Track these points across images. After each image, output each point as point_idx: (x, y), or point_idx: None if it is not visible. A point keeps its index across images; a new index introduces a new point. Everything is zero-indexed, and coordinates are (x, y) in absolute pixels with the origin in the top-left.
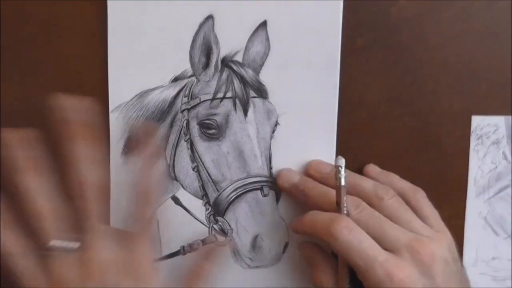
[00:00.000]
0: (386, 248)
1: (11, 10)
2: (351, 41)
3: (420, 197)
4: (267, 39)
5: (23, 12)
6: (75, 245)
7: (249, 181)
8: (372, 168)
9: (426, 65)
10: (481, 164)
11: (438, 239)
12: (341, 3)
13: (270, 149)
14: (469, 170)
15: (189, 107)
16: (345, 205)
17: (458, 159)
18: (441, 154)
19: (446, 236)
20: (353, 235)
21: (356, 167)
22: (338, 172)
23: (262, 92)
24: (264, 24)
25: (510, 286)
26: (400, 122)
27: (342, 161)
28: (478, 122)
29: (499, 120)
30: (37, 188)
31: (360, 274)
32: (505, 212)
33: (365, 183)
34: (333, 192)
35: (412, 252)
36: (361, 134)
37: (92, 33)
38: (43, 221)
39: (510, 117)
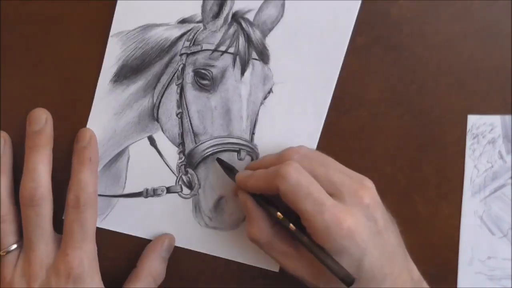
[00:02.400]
0: (329, 193)
1: (11, 10)
2: (351, 41)
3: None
4: (283, 5)
5: (23, 12)
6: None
7: (228, 141)
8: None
9: (426, 64)
10: (477, 163)
11: (370, 182)
12: None
13: (257, 114)
14: (465, 169)
15: (189, 52)
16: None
17: (457, 158)
18: (440, 153)
19: (369, 179)
20: (303, 176)
21: (356, 166)
22: None
23: (264, 56)
24: None
25: (506, 286)
26: (400, 122)
27: None
28: (474, 121)
29: (495, 119)
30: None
31: (307, 219)
32: (501, 211)
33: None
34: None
35: (357, 196)
36: (361, 133)
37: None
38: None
39: (506, 116)
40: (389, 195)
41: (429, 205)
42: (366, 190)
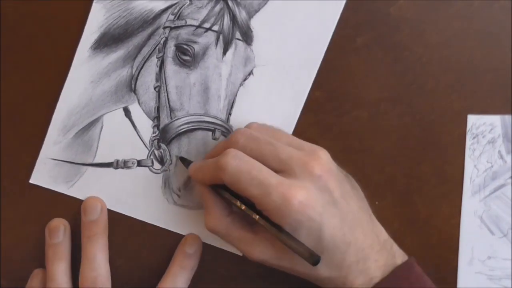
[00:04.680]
0: (279, 170)
1: (11, 10)
2: (351, 41)
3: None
4: None
5: (23, 12)
6: None
7: (204, 119)
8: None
9: (426, 64)
10: (477, 163)
11: (323, 151)
12: None
13: (236, 95)
14: (465, 169)
15: (172, 25)
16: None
17: (457, 158)
18: (441, 153)
19: (323, 149)
20: (242, 163)
21: (356, 166)
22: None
23: (247, 37)
24: None
25: (506, 286)
26: (400, 122)
27: None
28: (473, 121)
29: (495, 119)
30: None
31: (257, 203)
32: (501, 211)
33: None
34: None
35: (307, 169)
36: (361, 133)
37: None
38: None
39: (506, 116)
40: (389, 195)
41: (429, 205)
42: (317, 161)
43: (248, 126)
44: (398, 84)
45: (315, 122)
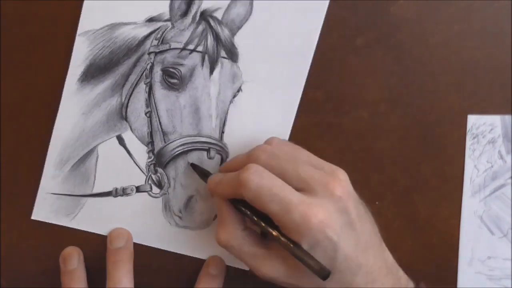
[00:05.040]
0: (299, 188)
1: (11, 10)
2: (351, 41)
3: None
4: (251, 4)
5: (23, 12)
6: None
7: (198, 140)
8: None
9: (426, 64)
10: (477, 163)
11: (342, 172)
12: None
13: (227, 113)
14: (465, 169)
15: (157, 50)
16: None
17: (457, 158)
18: (440, 153)
19: (342, 170)
20: (263, 180)
21: (356, 166)
22: None
23: (233, 55)
24: None
25: (506, 286)
26: (400, 122)
27: None
28: (473, 121)
29: (495, 119)
30: None
31: (277, 220)
32: (501, 211)
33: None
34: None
35: (328, 189)
36: (361, 133)
37: None
38: None
39: (506, 116)
40: (389, 195)
41: (429, 205)
42: (338, 182)
43: (268, 142)
44: (398, 84)
45: (315, 122)
